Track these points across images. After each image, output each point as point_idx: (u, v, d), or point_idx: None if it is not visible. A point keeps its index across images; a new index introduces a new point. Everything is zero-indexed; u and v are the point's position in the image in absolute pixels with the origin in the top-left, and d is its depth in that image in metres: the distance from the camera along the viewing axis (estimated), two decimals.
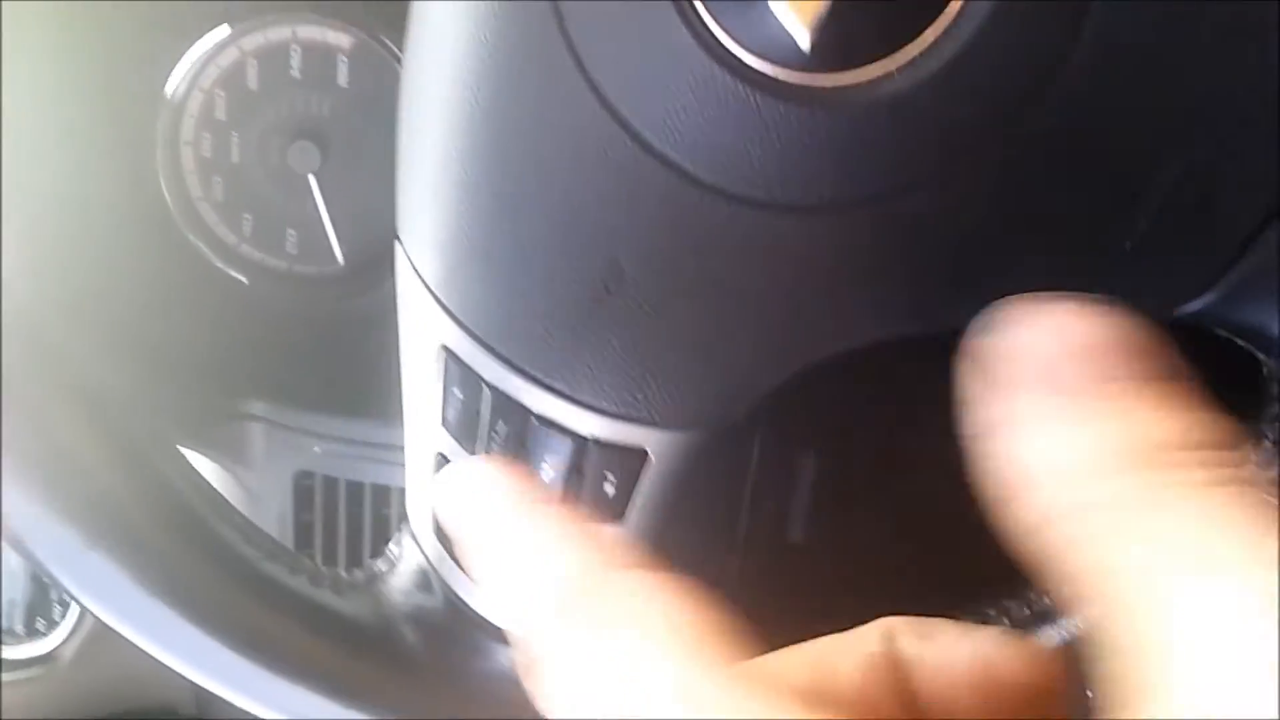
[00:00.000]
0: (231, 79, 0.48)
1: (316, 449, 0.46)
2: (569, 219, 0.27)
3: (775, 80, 0.26)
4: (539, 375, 0.28)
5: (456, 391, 0.28)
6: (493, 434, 0.28)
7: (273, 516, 0.47)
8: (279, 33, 0.48)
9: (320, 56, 0.48)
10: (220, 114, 0.48)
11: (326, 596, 0.30)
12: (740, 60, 0.26)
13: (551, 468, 0.28)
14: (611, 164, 0.26)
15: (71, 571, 0.28)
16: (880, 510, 0.66)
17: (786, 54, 0.26)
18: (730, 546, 0.55)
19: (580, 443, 0.28)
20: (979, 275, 0.28)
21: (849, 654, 0.22)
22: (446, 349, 0.29)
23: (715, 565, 0.55)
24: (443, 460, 0.30)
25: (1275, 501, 0.16)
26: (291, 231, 0.50)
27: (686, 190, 0.26)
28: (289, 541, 0.47)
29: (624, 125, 0.26)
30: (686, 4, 0.25)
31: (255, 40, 0.48)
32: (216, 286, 0.48)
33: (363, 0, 0.47)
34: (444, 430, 0.29)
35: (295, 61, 0.48)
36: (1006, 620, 0.33)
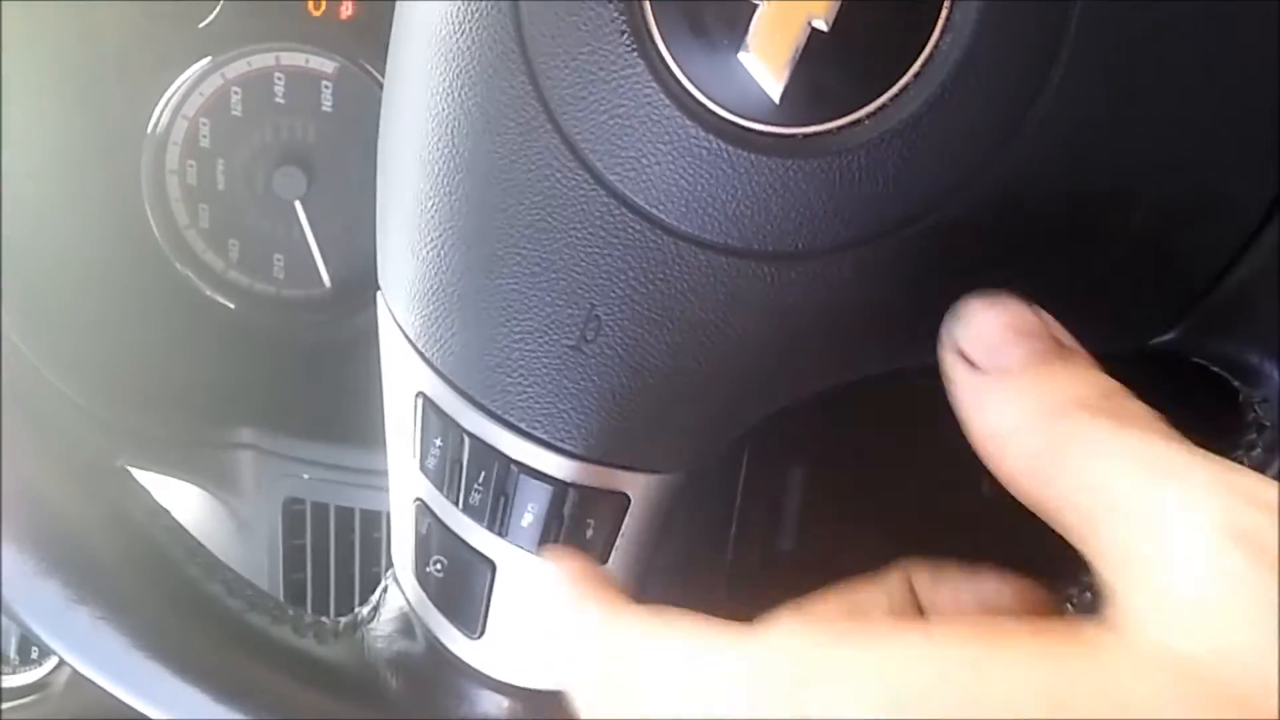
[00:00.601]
0: (215, 107, 0.48)
1: (305, 475, 0.46)
2: (546, 271, 0.27)
3: (747, 131, 0.26)
4: (518, 423, 0.28)
5: (436, 439, 0.29)
6: (473, 481, 0.29)
7: (263, 543, 0.47)
8: (262, 60, 0.48)
9: (304, 83, 0.48)
10: (205, 142, 0.49)
11: (310, 644, 0.31)
12: (711, 112, 0.26)
13: (531, 514, 0.29)
14: (587, 216, 0.26)
15: (56, 629, 0.29)
16: (870, 517, 0.67)
17: (757, 105, 0.26)
18: (719, 557, 0.55)
19: (561, 489, 0.28)
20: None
21: (877, 599, 0.26)
22: (425, 397, 0.29)
23: (705, 576, 0.55)
24: (423, 506, 0.30)
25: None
26: (278, 256, 0.50)
27: (662, 240, 0.27)
28: (280, 567, 0.47)
29: (599, 178, 0.26)
30: (658, 60, 0.26)
31: (239, 68, 0.48)
32: (204, 314, 0.48)
33: (343, 29, 0.47)
34: (424, 477, 0.30)
35: (279, 88, 0.48)
36: None
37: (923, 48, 0.26)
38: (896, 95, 0.26)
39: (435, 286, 0.28)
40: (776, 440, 0.56)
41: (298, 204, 0.49)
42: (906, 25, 0.26)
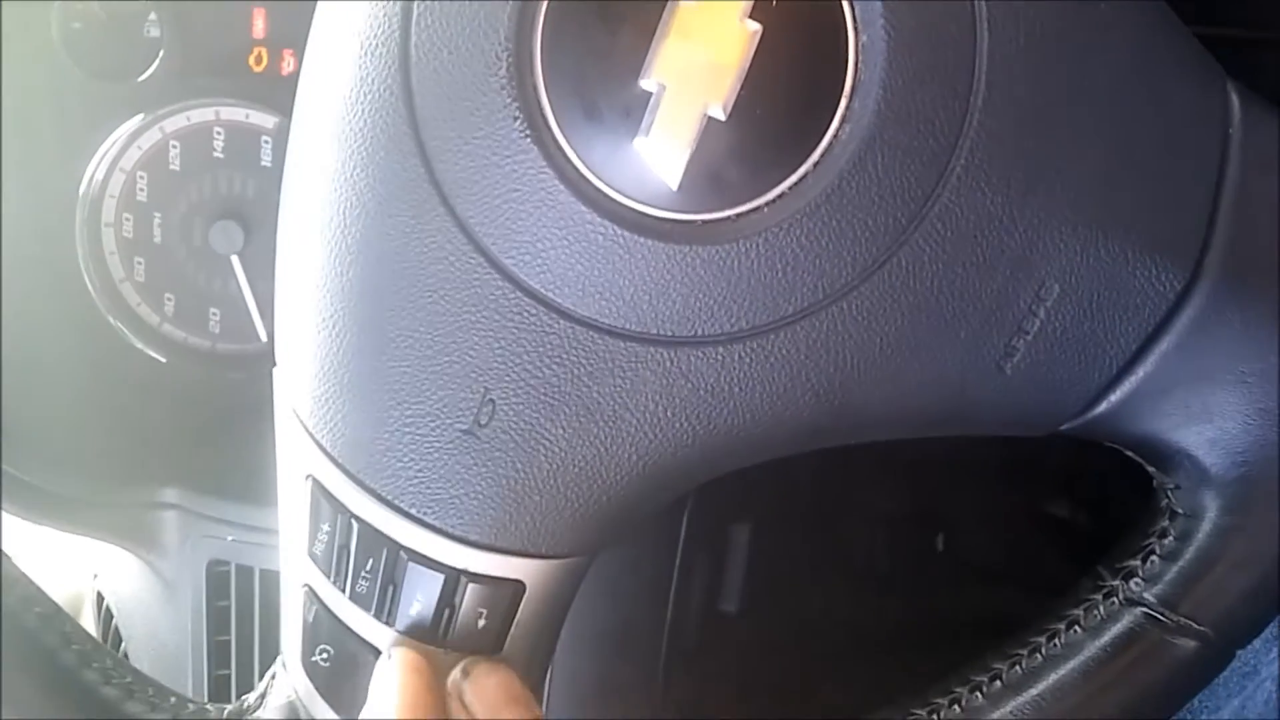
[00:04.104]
0: (153, 161, 0.48)
1: (229, 537, 0.46)
2: (439, 354, 0.26)
3: (644, 217, 0.26)
4: (409, 509, 0.27)
5: (324, 524, 0.28)
6: (360, 568, 0.28)
7: (188, 604, 0.46)
8: (202, 115, 0.48)
9: (243, 138, 0.48)
10: (142, 195, 0.48)
11: None
12: (608, 198, 0.26)
13: (421, 603, 0.28)
14: (481, 299, 0.26)
15: None
16: (819, 577, 0.66)
17: (655, 191, 0.26)
18: (658, 619, 0.55)
19: (452, 576, 0.28)
20: (855, 402, 0.28)
21: None
22: (315, 480, 0.28)
23: (643, 640, 0.54)
24: (310, 593, 0.29)
25: None
26: (214, 311, 0.49)
27: (558, 324, 0.26)
28: (203, 629, 0.46)
29: (493, 262, 0.26)
30: (552, 144, 0.25)
31: (178, 122, 0.48)
32: (133, 368, 0.48)
33: (284, 85, 0.47)
34: (311, 563, 0.29)
35: (218, 143, 0.48)
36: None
37: (821, 137, 0.26)
38: (795, 184, 0.26)
39: (326, 367, 0.27)
40: (719, 497, 0.55)
41: (235, 259, 0.48)
42: (805, 115, 0.26)
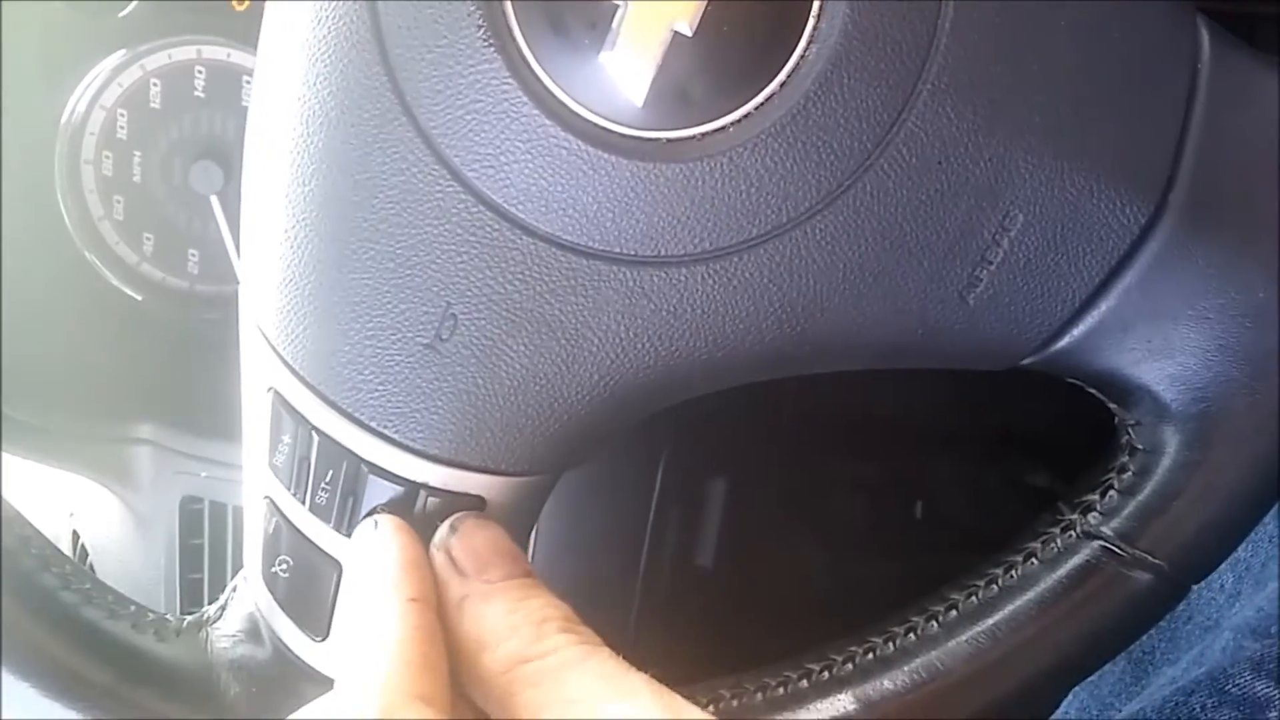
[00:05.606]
0: (134, 98, 0.48)
1: (203, 474, 0.46)
2: (402, 266, 0.27)
3: (608, 133, 0.26)
4: (369, 422, 0.28)
5: (284, 436, 0.28)
6: (320, 480, 0.28)
7: (161, 540, 0.47)
8: (183, 53, 0.48)
9: (224, 77, 0.48)
10: (122, 133, 0.48)
11: (148, 642, 0.30)
12: (572, 112, 0.26)
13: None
14: (445, 213, 0.26)
15: None
16: (796, 535, 0.66)
17: (620, 107, 0.26)
18: (631, 573, 0.55)
19: (411, 490, 0.28)
20: (817, 329, 0.28)
21: None
22: (276, 392, 0.28)
23: (614, 594, 0.54)
24: (271, 505, 0.29)
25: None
26: (193, 251, 0.49)
27: (521, 239, 0.26)
28: (176, 566, 0.46)
29: (456, 174, 0.26)
30: (517, 56, 0.25)
31: (159, 60, 0.48)
32: (110, 305, 0.48)
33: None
34: (272, 474, 0.29)
35: (199, 82, 0.48)
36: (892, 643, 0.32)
37: (788, 56, 0.26)
38: (761, 104, 0.26)
39: (288, 279, 0.27)
40: (696, 450, 0.55)
41: (214, 199, 0.48)
42: (772, 33, 0.26)
